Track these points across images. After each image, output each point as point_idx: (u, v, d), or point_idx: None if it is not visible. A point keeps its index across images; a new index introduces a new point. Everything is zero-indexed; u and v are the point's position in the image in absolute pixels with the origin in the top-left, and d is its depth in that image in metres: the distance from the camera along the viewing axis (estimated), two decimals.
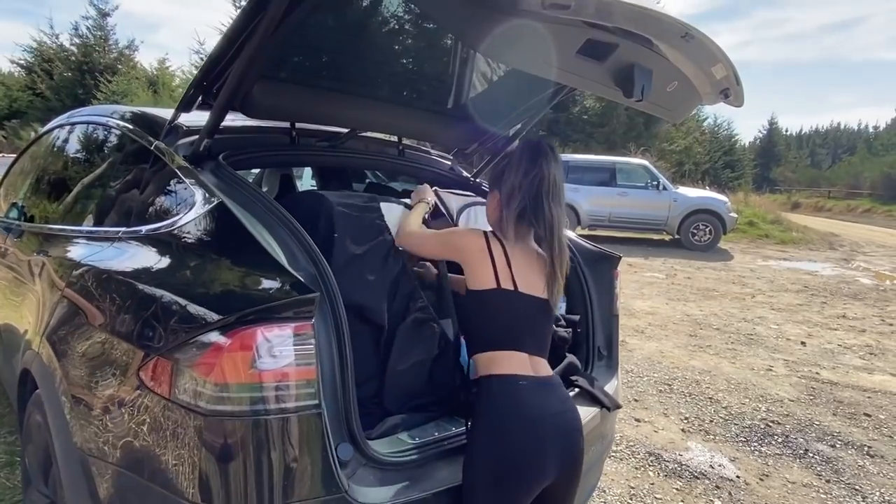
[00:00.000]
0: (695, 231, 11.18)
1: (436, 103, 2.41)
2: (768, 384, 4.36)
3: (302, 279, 1.17)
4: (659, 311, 6.55)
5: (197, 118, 1.71)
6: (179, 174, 1.57)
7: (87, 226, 1.93)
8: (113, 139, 2.11)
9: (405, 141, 2.44)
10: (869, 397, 4.18)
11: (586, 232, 12.40)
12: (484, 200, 1.91)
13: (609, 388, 2.01)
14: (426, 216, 1.79)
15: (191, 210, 1.46)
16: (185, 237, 1.42)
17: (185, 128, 1.74)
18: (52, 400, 1.48)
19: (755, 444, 3.37)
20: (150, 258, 1.46)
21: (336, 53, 1.96)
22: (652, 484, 2.86)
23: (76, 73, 21.68)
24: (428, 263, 1.92)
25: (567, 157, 13.18)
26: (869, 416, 3.83)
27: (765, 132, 49.91)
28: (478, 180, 2.52)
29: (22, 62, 23.37)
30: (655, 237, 12.64)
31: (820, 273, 9.68)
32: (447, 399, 1.60)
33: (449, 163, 2.57)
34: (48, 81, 21.76)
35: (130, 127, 1.95)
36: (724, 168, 34.61)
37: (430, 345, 1.63)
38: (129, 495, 1.24)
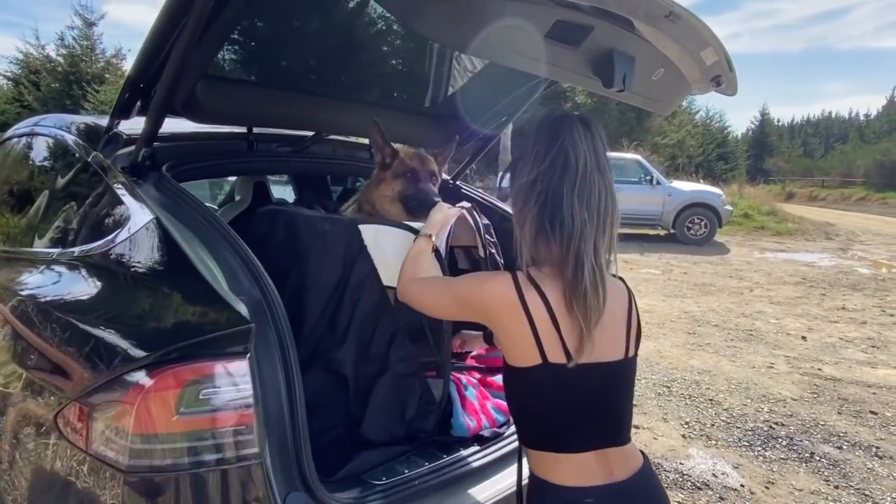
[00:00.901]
0: (690, 225, 11.06)
1: (410, 102, 2.26)
2: (770, 383, 4.22)
3: (239, 308, 1.01)
4: (656, 308, 6.41)
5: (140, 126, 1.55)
6: (115, 188, 1.41)
7: (26, 247, 1.76)
8: (56, 151, 1.95)
9: None
10: (874, 393, 4.04)
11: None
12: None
13: None
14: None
15: (124, 229, 1.30)
16: (115, 260, 1.26)
17: (125, 137, 1.58)
18: None
19: (759, 448, 3.22)
20: (78, 285, 1.30)
21: (296, 49, 1.80)
22: None
23: (63, 84, 21.47)
24: None
25: None
26: (875, 413, 3.70)
27: (757, 123, 49.98)
28: (458, 183, 2.37)
29: (8, 74, 23.14)
30: (651, 232, 12.50)
31: (817, 264, 9.56)
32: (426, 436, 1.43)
33: None
34: (35, 93, 21.52)
35: (72, 138, 1.79)
36: (717, 160, 34.56)
37: (410, 406, 1.40)
38: None
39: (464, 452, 1.38)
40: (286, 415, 1.07)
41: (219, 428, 0.96)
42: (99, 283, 1.26)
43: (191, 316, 1.03)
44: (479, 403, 1.49)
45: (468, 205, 1.66)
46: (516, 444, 1.45)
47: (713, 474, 2.92)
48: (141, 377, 0.94)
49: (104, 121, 1.92)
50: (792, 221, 14.44)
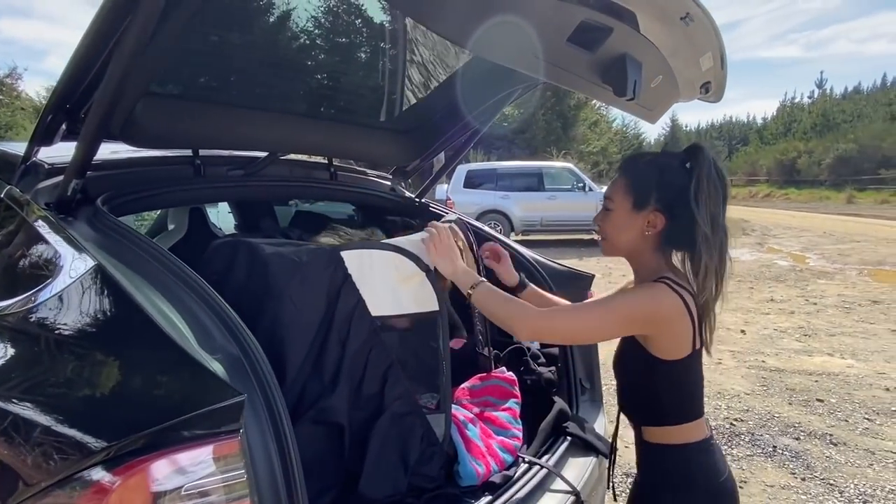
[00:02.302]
0: None
1: (367, 117, 2.11)
2: (722, 379, 4.35)
3: (219, 370, 0.82)
4: None
5: (67, 153, 1.30)
6: (38, 229, 1.16)
7: None
8: None
9: (336, 162, 2.11)
10: (816, 381, 4.25)
11: (520, 238, 12.43)
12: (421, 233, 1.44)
13: (598, 426, 1.78)
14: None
15: (55, 279, 1.06)
16: (47, 320, 1.02)
17: (47, 166, 1.32)
18: None
19: (725, 447, 3.27)
20: (18, 351, 1.04)
21: (245, 63, 1.61)
22: None
23: None
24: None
25: (495, 164, 13.23)
26: (821, 401, 3.88)
27: (668, 129, 53.34)
28: (424, 201, 2.23)
29: None
30: (586, 237, 12.87)
31: (741, 259, 10.16)
32: (431, 489, 1.26)
33: (389, 183, 2.26)
34: None
35: None
36: None
37: (412, 450, 1.25)
38: None
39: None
40: (284, 500, 0.88)
41: None
42: (27, 353, 1.01)
43: (161, 389, 0.82)
44: (485, 444, 1.35)
45: (453, 216, 1.53)
46: (530, 485, 1.33)
47: None
48: (100, 474, 0.73)
49: (10, 147, 1.64)
50: None
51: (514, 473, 1.34)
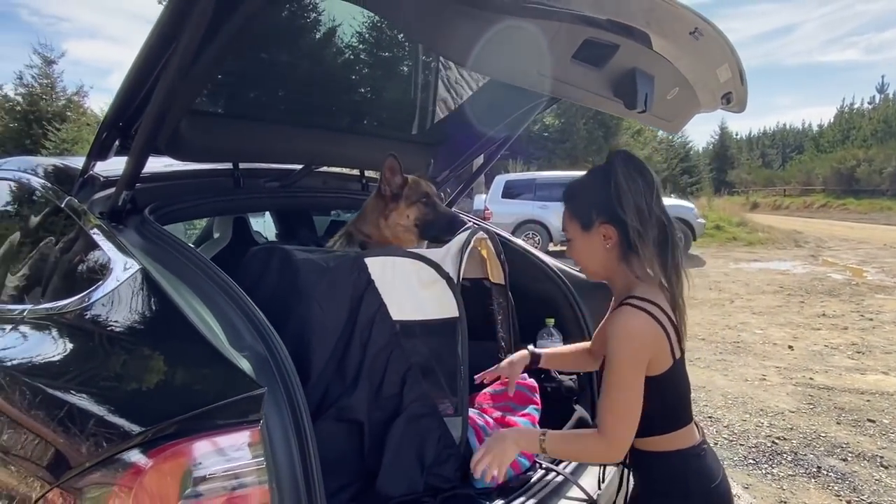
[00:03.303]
0: None
1: (399, 130, 2.19)
2: (766, 396, 4.20)
3: (246, 367, 0.90)
4: None
5: (119, 166, 1.43)
6: (93, 236, 1.28)
7: None
8: (22, 197, 1.80)
9: (368, 173, 2.19)
10: (868, 400, 4.05)
11: (559, 248, 12.31)
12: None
13: None
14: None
15: (105, 281, 1.17)
16: (96, 317, 1.12)
17: (102, 179, 1.45)
18: None
19: (765, 465, 3.16)
20: (51, 347, 1.16)
21: (283, 81, 1.71)
22: None
23: (22, 124, 20.94)
24: None
25: (533, 174, 13.19)
26: (873, 421, 3.69)
27: (716, 137, 51.71)
28: (453, 210, 2.28)
29: None
30: None
31: (792, 272, 9.76)
32: (447, 489, 1.30)
33: None
34: None
35: (39, 182, 1.65)
36: (681, 174, 35.56)
37: (429, 450, 1.29)
38: None
39: None
40: (302, 489, 0.94)
41: None
42: (74, 346, 1.12)
43: (192, 382, 0.91)
44: None
45: (484, 235, 1.58)
46: (545, 490, 1.35)
47: None
48: (136, 456, 0.81)
49: (72, 162, 1.79)
50: (762, 231, 14.81)
51: (531, 478, 1.36)
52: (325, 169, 2.04)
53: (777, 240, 13.94)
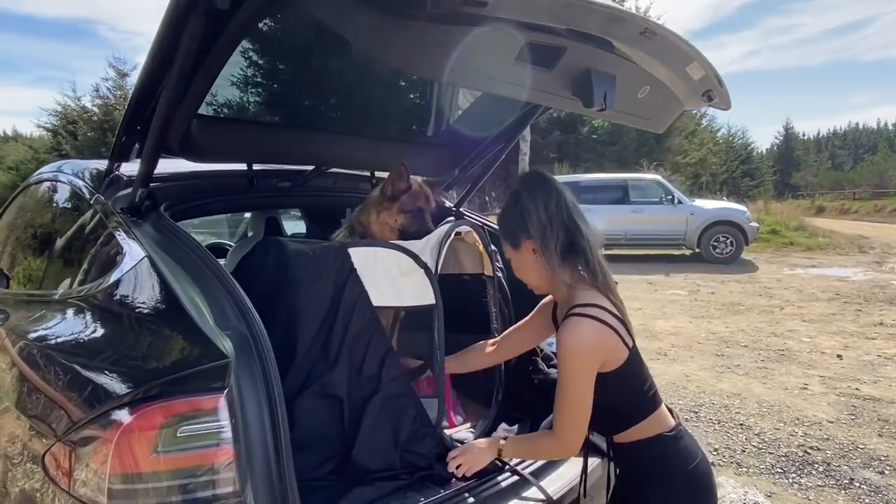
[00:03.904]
0: (715, 244, 10.82)
1: (409, 132, 2.28)
2: (804, 405, 4.03)
3: (219, 343, 1.01)
4: (682, 330, 6.23)
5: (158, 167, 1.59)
6: (112, 229, 1.44)
7: (35, 289, 1.81)
8: (69, 196, 2.01)
9: (380, 174, 2.30)
10: None
11: (602, 252, 12.10)
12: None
13: None
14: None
15: (118, 268, 1.32)
16: (108, 299, 1.28)
17: (125, 178, 1.62)
18: None
19: (793, 475, 3.05)
20: (74, 324, 1.32)
21: (293, 86, 1.85)
22: None
23: (98, 133, 22.51)
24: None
25: (577, 177, 13.04)
26: None
27: (781, 138, 49.23)
28: (461, 210, 2.36)
29: (48, 126, 24.43)
30: (675, 253, 12.28)
31: (851, 279, 9.21)
32: (423, 468, 1.38)
33: None
34: (72, 142, 22.62)
35: (82, 183, 1.85)
36: (742, 177, 34.06)
37: (404, 427, 1.39)
38: None
39: (461, 485, 1.34)
40: (271, 452, 1.05)
41: (198, 466, 0.95)
42: (92, 322, 1.28)
43: (173, 352, 1.03)
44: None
45: (468, 228, 1.65)
46: (514, 477, 1.41)
47: None
48: (119, 415, 0.94)
49: (103, 164, 1.98)
50: (822, 236, 14.01)
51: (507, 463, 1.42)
52: (335, 170, 2.16)
53: (839, 245, 13.15)
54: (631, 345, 1.29)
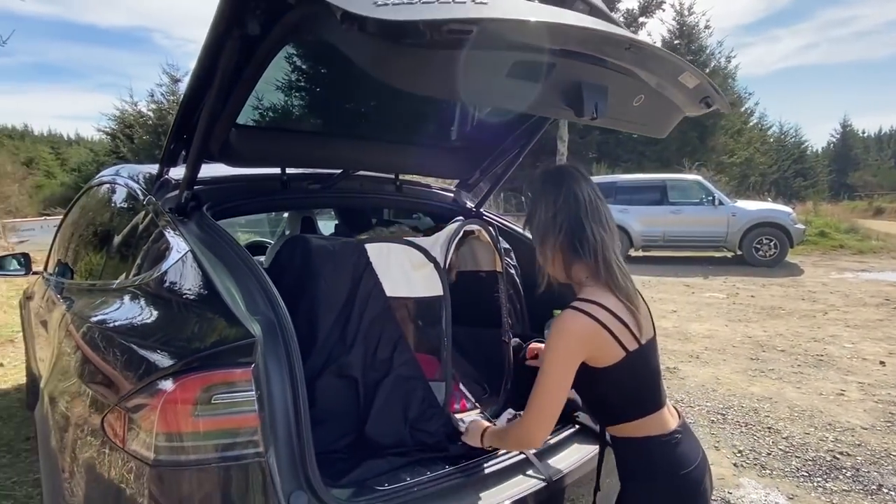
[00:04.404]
0: (758, 246, 10.51)
1: (432, 136, 2.41)
2: (838, 410, 3.95)
3: (249, 325, 1.17)
4: (717, 333, 6.14)
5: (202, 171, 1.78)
6: (162, 227, 1.63)
7: (96, 279, 2.04)
8: (125, 197, 2.24)
9: (404, 176, 2.44)
10: None
11: (640, 254, 11.94)
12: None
13: None
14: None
15: (166, 261, 1.50)
16: (157, 287, 1.46)
17: (173, 182, 1.81)
18: (44, 448, 1.55)
19: (819, 478, 3.03)
20: (128, 307, 1.52)
21: (322, 96, 2.01)
22: None
23: (153, 136, 23.67)
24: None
25: (614, 177, 12.88)
26: None
27: (838, 136, 46.96)
28: (481, 210, 2.48)
29: (107, 130, 25.87)
30: (716, 255, 11.99)
31: None
32: (432, 446, 1.51)
33: (451, 195, 2.55)
34: (129, 145, 23.87)
35: (132, 184, 2.07)
36: (794, 177, 32.70)
37: (413, 406, 1.51)
38: None
39: (467, 463, 1.46)
40: (292, 421, 1.20)
41: (228, 428, 1.10)
42: (144, 307, 1.47)
43: (210, 333, 1.19)
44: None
45: (477, 227, 1.77)
46: (520, 455, 1.52)
47: None
48: (165, 384, 1.11)
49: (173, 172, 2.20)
50: (876, 238, 13.37)
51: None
52: (362, 173, 2.31)
53: (894, 249, 12.53)
54: (632, 348, 1.27)
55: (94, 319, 1.60)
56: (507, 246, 2.06)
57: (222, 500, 1.10)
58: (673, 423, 1.34)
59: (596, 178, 12.69)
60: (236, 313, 1.21)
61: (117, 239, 2.12)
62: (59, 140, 48.61)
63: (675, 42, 20.91)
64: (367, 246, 1.54)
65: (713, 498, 2.81)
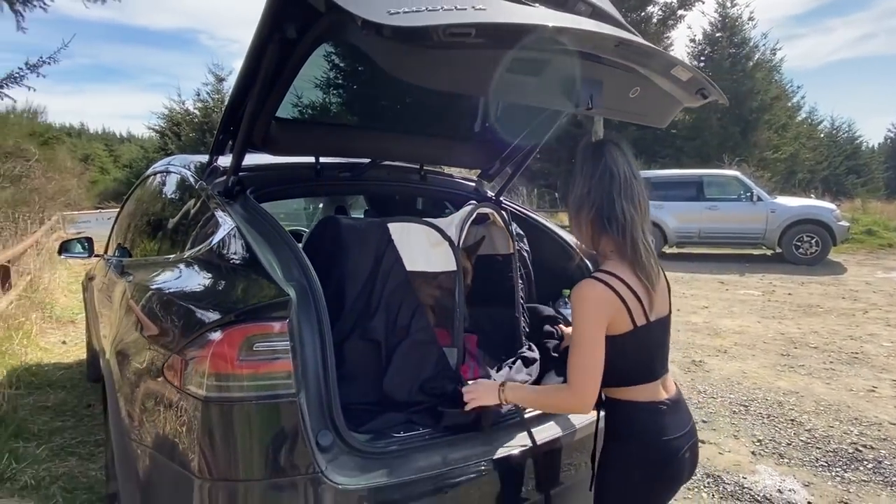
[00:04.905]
0: (798, 243, 10.24)
1: (456, 128, 2.58)
2: (867, 406, 3.92)
3: (285, 287, 1.37)
4: (748, 329, 6.09)
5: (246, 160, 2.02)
6: (212, 208, 1.86)
7: (155, 255, 2.30)
8: (179, 183, 2.50)
9: (428, 165, 2.62)
10: None
11: (675, 250, 11.80)
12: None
13: None
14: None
15: (215, 236, 1.73)
16: (208, 258, 1.69)
17: (221, 169, 2.05)
18: (112, 399, 1.80)
19: (838, 469, 3.06)
20: (184, 275, 1.75)
21: (352, 94, 2.20)
22: None
23: (198, 133, 24.62)
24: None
25: (648, 173, 12.73)
26: None
27: (894, 132, 44.63)
28: (501, 199, 2.63)
29: (156, 128, 27.11)
30: (755, 252, 11.73)
31: None
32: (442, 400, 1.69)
33: (473, 184, 2.71)
34: (177, 142, 24.91)
35: (189, 173, 2.32)
36: (847, 174, 31.29)
37: (427, 368, 1.69)
38: (156, 473, 1.49)
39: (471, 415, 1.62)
40: (320, 372, 1.40)
41: (266, 372, 1.31)
42: (197, 274, 1.70)
43: (252, 294, 1.40)
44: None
45: (488, 210, 1.93)
46: (518, 417, 1.67)
47: (778, 490, 2.84)
48: (215, 334, 1.32)
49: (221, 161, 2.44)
50: None
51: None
52: (388, 162, 2.50)
53: None
54: (641, 323, 1.35)
55: (154, 287, 1.84)
56: (521, 231, 2.22)
57: (261, 433, 1.30)
58: (664, 394, 1.42)
59: None
60: (274, 278, 1.41)
61: (172, 220, 2.37)
62: (112, 138, 51.08)
63: (717, 35, 20.36)
64: (390, 225, 1.73)
65: (725, 482, 2.90)
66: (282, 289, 1.35)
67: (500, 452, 1.55)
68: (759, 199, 10.53)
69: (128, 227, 3.27)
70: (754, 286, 8.59)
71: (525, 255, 2.13)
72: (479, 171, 2.76)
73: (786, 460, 3.17)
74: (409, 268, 1.71)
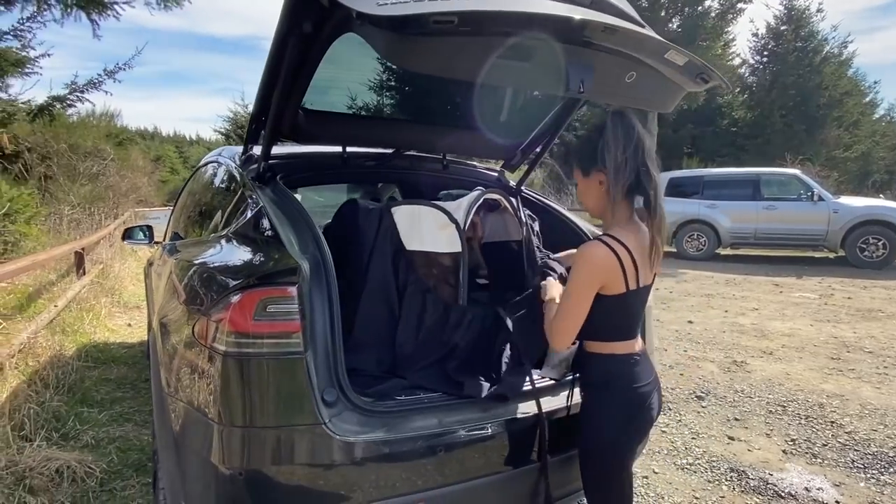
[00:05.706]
0: (863, 245, 9.64)
1: (477, 120, 2.68)
2: None
3: (298, 258, 1.52)
4: (799, 332, 5.85)
5: (280, 149, 2.21)
6: (245, 191, 2.05)
7: (198, 235, 2.53)
8: (224, 172, 2.73)
9: (450, 156, 2.74)
10: None
11: (729, 252, 11.37)
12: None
13: None
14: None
15: (245, 215, 1.91)
16: (237, 234, 1.88)
17: (255, 156, 2.24)
18: (154, 361, 2.01)
19: (874, 471, 2.94)
20: (217, 250, 1.94)
21: (376, 86, 2.35)
22: (721, 497, 2.68)
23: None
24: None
25: (701, 171, 12.33)
26: None
27: None
28: (522, 188, 2.71)
29: (221, 130, 28.50)
30: (816, 255, 11.14)
31: None
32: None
33: (495, 174, 2.80)
34: (240, 144, 26.12)
35: (227, 161, 2.54)
36: None
37: (430, 314, 1.86)
38: (187, 423, 1.67)
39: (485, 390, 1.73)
40: (328, 334, 1.54)
41: (278, 331, 1.46)
42: (225, 248, 1.89)
43: (270, 263, 1.56)
44: None
45: (496, 196, 2.03)
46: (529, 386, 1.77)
47: (805, 488, 2.77)
48: (234, 297, 1.49)
49: (256, 150, 2.65)
50: None
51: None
52: (411, 152, 2.63)
53: None
54: (633, 287, 1.50)
55: (192, 261, 2.05)
56: (533, 215, 2.30)
57: (273, 386, 1.45)
58: (636, 347, 1.59)
59: (681, 173, 12.16)
60: (290, 251, 1.56)
61: (215, 203, 2.60)
62: (182, 140, 54.04)
63: (782, 28, 19.37)
64: (401, 207, 1.89)
65: (749, 477, 2.86)
66: (294, 259, 1.50)
67: (497, 418, 1.64)
68: (821, 198, 10.00)
69: (180, 214, 3.56)
70: (811, 289, 8.19)
71: (535, 238, 2.21)
72: (502, 162, 2.85)
73: (818, 460, 3.08)
74: (418, 248, 1.84)
